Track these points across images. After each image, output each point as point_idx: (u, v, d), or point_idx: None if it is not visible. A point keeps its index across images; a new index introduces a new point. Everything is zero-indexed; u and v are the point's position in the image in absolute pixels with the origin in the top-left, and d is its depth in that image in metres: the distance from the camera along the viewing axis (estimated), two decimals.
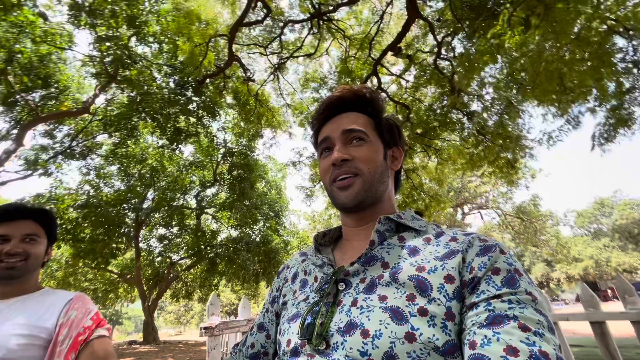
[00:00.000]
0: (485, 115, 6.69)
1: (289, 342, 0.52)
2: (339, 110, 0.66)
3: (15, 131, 8.44)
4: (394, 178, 0.68)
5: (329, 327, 0.47)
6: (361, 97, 0.65)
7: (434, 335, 0.41)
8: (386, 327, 0.43)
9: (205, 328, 1.82)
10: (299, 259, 0.71)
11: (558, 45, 4.42)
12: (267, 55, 8.09)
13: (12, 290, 1.01)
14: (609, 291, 27.74)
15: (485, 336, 0.39)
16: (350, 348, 0.44)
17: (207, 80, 8.08)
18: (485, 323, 0.40)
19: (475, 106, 7.16)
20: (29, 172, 9.29)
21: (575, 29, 4.36)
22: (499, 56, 5.30)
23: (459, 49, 6.45)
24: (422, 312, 0.43)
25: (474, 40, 5.51)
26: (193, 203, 13.08)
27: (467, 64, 5.27)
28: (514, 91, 5.89)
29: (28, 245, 1.01)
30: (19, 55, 7.01)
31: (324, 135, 0.65)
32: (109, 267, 12.88)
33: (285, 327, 0.56)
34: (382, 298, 0.47)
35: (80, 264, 11.41)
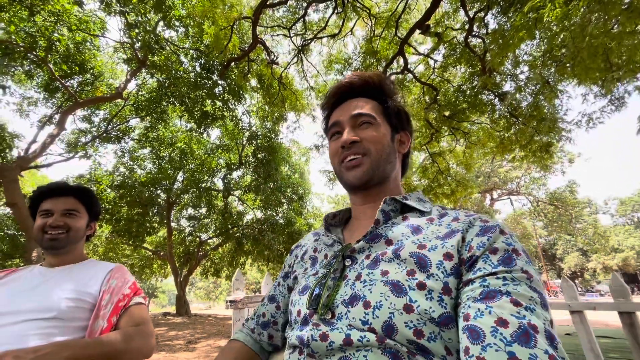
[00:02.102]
0: (518, 96, 6.31)
1: (299, 312, 0.56)
2: (348, 96, 0.68)
3: (57, 116, 9.02)
4: (401, 161, 0.70)
5: (335, 298, 0.51)
6: (369, 83, 0.68)
7: (430, 307, 0.44)
8: (386, 299, 0.46)
9: (231, 301, 1.94)
10: (311, 238, 0.75)
11: (605, 17, 4.04)
12: (290, 37, 7.99)
13: (60, 261, 1.12)
14: None
15: (479, 309, 0.41)
16: (353, 318, 0.47)
17: (232, 64, 8.15)
18: (479, 297, 0.42)
19: (507, 86, 6.77)
20: (71, 154, 9.95)
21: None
22: (536, 32, 4.93)
23: (493, 25, 6.07)
24: (421, 286, 0.46)
25: (510, 15, 5.15)
26: (220, 185, 13.52)
27: (500, 40, 4.95)
28: (552, 70, 5.48)
29: (69, 219, 1.11)
30: (58, 43, 7.38)
31: (333, 119, 0.68)
32: (144, 245, 13.75)
33: (296, 299, 0.60)
34: (384, 273, 0.49)
35: (119, 241, 12.26)
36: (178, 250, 14.25)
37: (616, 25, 4.21)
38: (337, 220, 0.72)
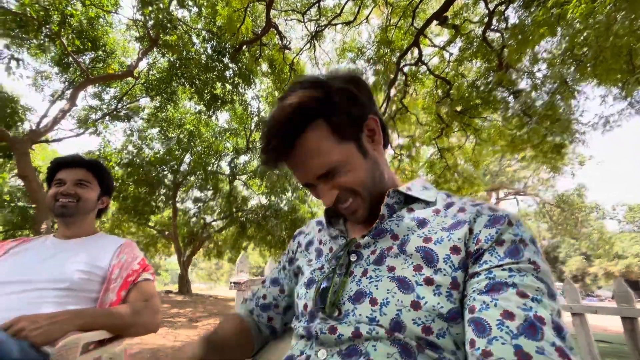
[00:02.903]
0: (533, 94, 6.17)
1: (305, 306, 0.56)
2: (287, 144, 0.53)
3: (69, 92, 9.07)
4: (380, 150, 0.60)
5: (341, 295, 0.50)
6: (312, 104, 0.52)
7: (438, 303, 0.43)
8: (393, 296, 0.46)
9: (234, 282, 1.97)
10: (315, 227, 0.73)
11: (632, 16, 3.89)
12: (304, 22, 7.86)
13: (71, 232, 1.16)
14: None
15: (484, 302, 0.40)
16: (360, 315, 0.47)
17: (244, 47, 8.06)
18: (484, 290, 0.42)
19: (523, 84, 6.60)
20: (81, 130, 10.05)
21: None
22: (558, 28, 4.77)
23: (513, 19, 5.90)
24: (428, 281, 0.45)
25: (532, 10, 4.98)
26: (227, 169, 13.60)
27: (520, 36, 4.82)
28: (572, 69, 5.33)
29: (80, 189, 1.14)
30: (71, 18, 7.36)
31: (300, 180, 0.58)
32: (149, 223, 13.99)
33: (302, 292, 0.59)
34: (391, 269, 0.49)
35: (125, 218, 12.48)
36: (182, 230, 14.48)
37: None
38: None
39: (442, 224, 0.51)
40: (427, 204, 0.58)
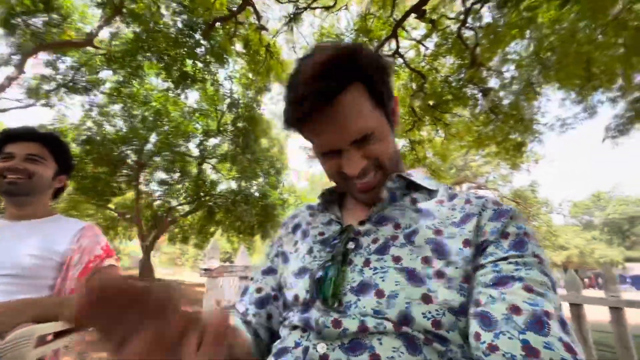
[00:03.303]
0: (501, 93, 6.47)
1: (296, 296, 0.52)
2: (329, 96, 0.47)
3: (16, 57, 8.16)
4: (394, 132, 0.59)
5: (342, 286, 0.47)
6: (356, 64, 0.48)
7: (450, 296, 0.43)
8: (403, 289, 0.44)
9: (205, 269, 1.91)
10: (305, 212, 0.70)
11: (593, 26, 4.15)
12: (282, 2, 7.59)
13: (22, 212, 1.03)
14: (587, 280, 28.93)
15: (490, 295, 0.40)
16: (364, 307, 0.44)
17: (218, 24, 7.66)
18: (490, 283, 0.41)
19: (492, 83, 6.90)
20: (31, 101, 9.14)
21: (615, 11, 4.07)
22: (528, 31, 5.00)
23: (487, 18, 6.07)
24: (439, 274, 0.44)
25: (505, 11, 5.16)
26: (195, 151, 13.07)
27: (492, 36, 4.99)
28: (537, 71, 5.64)
29: (31, 165, 1.02)
30: None
31: (326, 147, 0.53)
32: (110, 205, 13.19)
33: (292, 281, 0.55)
34: (396, 259, 0.47)
35: (82, 200, 11.67)
36: (146, 214, 13.82)
37: (600, 36, 4.35)
38: (334, 197, 0.66)
39: (452, 217, 0.50)
40: (429, 193, 0.57)
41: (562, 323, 0.38)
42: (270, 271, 0.66)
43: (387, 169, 0.55)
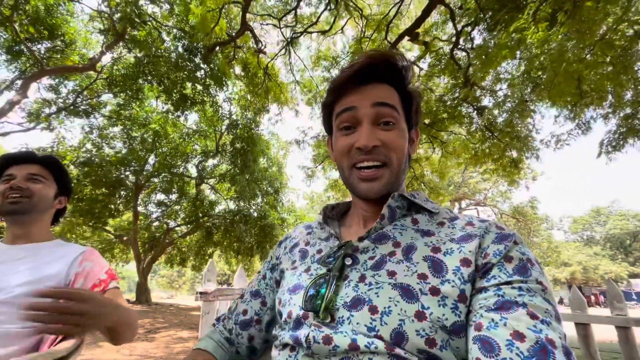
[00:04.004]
0: (495, 111, 6.59)
1: (290, 313, 0.52)
2: (365, 80, 0.55)
3: (19, 82, 8.32)
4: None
5: (335, 301, 0.47)
6: (393, 66, 0.56)
7: (443, 315, 0.42)
8: (396, 305, 0.43)
9: (201, 293, 1.86)
10: (303, 231, 0.70)
11: (581, 45, 4.29)
12: (280, 28, 7.84)
13: (23, 232, 1.01)
14: (592, 297, 28.36)
15: (493, 320, 0.39)
16: (357, 323, 0.43)
17: (217, 48, 7.87)
18: (493, 307, 0.40)
19: (486, 101, 7.04)
20: (32, 125, 9.23)
21: (601, 31, 4.22)
22: (518, 52, 5.15)
23: (478, 40, 6.29)
24: (434, 291, 0.43)
25: (495, 33, 5.34)
26: (194, 172, 13.09)
27: (484, 56, 5.13)
28: (529, 89, 5.76)
29: (32, 184, 1.01)
30: (25, 2, 6.79)
31: (347, 104, 0.56)
32: (107, 227, 13.06)
33: (286, 298, 0.55)
34: (391, 274, 0.46)
35: (79, 222, 11.56)
36: (143, 235, 13.66)
37: (589, 55, 4.49)
38: (335, 213, 0.67)
39: (451, 234, 0.50)
40: (431, 214, 0.56)
41: (567, 353, 0.36)
42: (256, 294, 0.68)
43: (392, 166, 0.55)
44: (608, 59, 4.39)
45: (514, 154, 6.92)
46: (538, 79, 5.42)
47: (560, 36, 4.35)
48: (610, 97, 5.12)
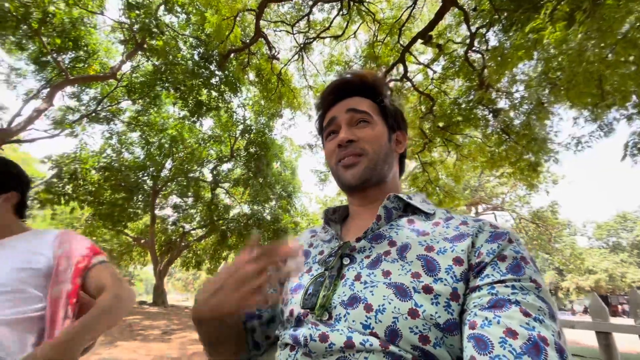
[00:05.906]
0: (512, 113, 6.43)
1: (291, 311, 0.54)
2: (344, 95, 0.67)
3: (45, 91, 8.73)
4: (398, 161, 0.70)
5: (332, 299, 0.49)
6: (365, 81, 0.67)
7: (436, 312, 0.43)
8: (390, 303, 0.44)
9: None
10: (307, 235, 0.73)
11: (602, 45, 4.16)
12: (293, 34, 7.95)
13: None
14: (620, 307, 27.03)
15: (486, 318, 0.40)
16: (353, 320, 0.45)
17: (232, 55, 8.05)
18: (487, 306, 0.41)
19: (502, 103, 6.89)
20: (57, 131, 9.65)
21: (623, 29, 4.08)
22: (535, 52, 5.03)
23: (493, 41, 6.17)
24: (427, 289, 0.44)
25: (510, 34, 5.24)
26: (209, 176, 13.34)
27: (499, 58, 5.04)
28: (547, 91, 5.61)
29: None
30: (52, 17, 7.15)
31: (330, 116, 0.67)
32: (125, 230, 13.44)
33: (288, 297, 0.57)
34: (386, 273, 0.48)
35: (99, 225, 11.94)
36: (160, 238, 13.98)
37: (610, 54, 4.34)
38: (337, 217, 0.70)
39: (445, 234, 0.51)
40: (427, 216, 0.58)
41: (560, 351, 0.36)
42: None
43: (369, 157, 0.61)
44: (631, 58, 4.23)
45: (532, 157, 6.73)
46: (556, 79, 5.27)
47: (579, 35, 4.23)
48: (634, 97, 4.92)
